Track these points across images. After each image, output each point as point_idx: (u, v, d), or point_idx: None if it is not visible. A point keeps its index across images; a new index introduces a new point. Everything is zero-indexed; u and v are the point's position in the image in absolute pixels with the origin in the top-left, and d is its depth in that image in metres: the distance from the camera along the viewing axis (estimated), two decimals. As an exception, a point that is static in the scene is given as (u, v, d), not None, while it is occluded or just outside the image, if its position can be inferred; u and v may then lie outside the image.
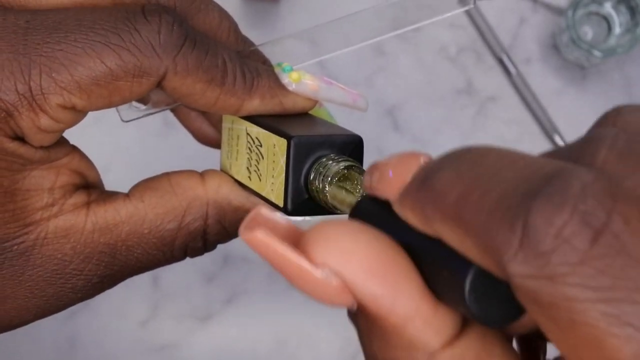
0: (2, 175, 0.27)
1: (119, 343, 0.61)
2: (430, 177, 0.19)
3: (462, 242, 0.18)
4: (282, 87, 0.30)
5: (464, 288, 0.18)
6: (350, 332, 0.66)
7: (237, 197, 0.30)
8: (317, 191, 0.28)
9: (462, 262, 0.18)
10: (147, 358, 0.61)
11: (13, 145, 0.27)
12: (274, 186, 0.29)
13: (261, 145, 0.30)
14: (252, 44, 0.33)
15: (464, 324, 0.19)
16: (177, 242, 0.30)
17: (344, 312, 0.67)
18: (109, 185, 0.64)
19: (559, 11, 0.62)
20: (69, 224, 0.29)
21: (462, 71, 0.62)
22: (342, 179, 0.28)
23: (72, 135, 0.65)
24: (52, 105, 0.27)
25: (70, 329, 0.60)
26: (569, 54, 0.60)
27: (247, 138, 0.30)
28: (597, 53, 0.56)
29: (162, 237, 0.30)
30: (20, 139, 0.27)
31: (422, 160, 0.20)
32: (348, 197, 0.27)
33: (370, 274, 0.19)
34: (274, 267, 0.19)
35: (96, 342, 0.61)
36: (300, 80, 0.30)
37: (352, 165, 0.28)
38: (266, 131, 0.29)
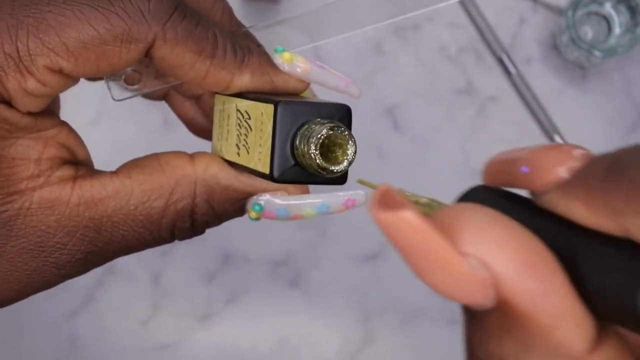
0: None
1: (119, 342, 0.61)
2: (625, 167, 0.17)
3: None
4: (273, 65, 0.30)
5: None
6: (350, 332, 0.66)
7: (226, 176, 0.30)
8: (302, 155, 0.27)
9: None
10: (148, 357, 0.61)
11: (4, 110, 0.27)
12: (261, 155, 0.28)
13: (250, 118, 0.29)
14: (245, 27, 0.33)
15: (602, 329, 0.18)
16: (164, 221, 0.29)
17: (344, 312, 0.66)
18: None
19: (559, 11, 0.62)
20: (54, 195, 0.28)
21: (462, 71, 0.62)
22: (328, 142, 0.27)
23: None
24: (39, 67, 0.26)
25: (71, 328, 0.60)
26: (569, 54, 0.60)
27: (236, 115, 0.30)
28: (597, 53, 0.56)
29: (148, 215, 0.29)
30: (7, 102, 0.27)
31: (577, 153, 0.19)
32: (334, 158, 0.27)
33: (525, 267, 0.17)
34: (406, 253, 0.17)
35: (96, 341, 0.61)
36: (292, 61, 0.30)
37: (337, 126, 0.27)
38: (254, 102, 0.29)
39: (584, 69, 0.62)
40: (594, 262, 0.17)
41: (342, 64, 0.62)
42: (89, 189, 0.28)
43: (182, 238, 0.31)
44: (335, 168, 0.27)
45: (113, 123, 0.62)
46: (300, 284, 0.60)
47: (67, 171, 0.29)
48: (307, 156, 0.27)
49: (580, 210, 0.18)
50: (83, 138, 0.60)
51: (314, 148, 0.27)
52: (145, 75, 0.32)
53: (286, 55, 0.30)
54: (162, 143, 0.62)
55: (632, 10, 0.58)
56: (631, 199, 0.16)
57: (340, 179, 0.29)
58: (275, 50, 0.31)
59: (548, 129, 0.61)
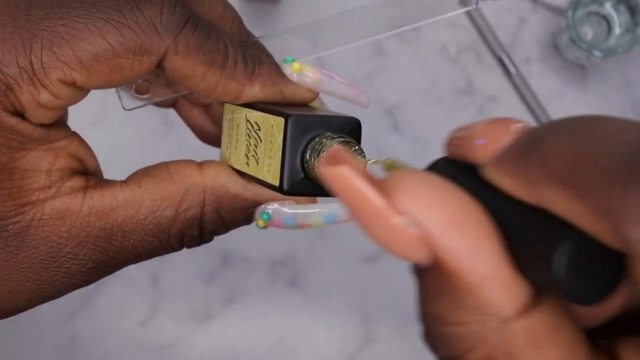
0: (0, 152, 0.27)
1: (118, 343, 0.61)
2: (539, 141, 0.18)
3: (572, 206, 0.17)
4: (283, 75, 0.30)
5: (558, 259, 0.17)
6: (349, 333, 0.66)
7: (235, 185, 0.30)
8: (312, 169, 0.27)
9: (559, 231, 0.17)
10: (147, 358, 0.61)
11: (12, 121, 0.27)
12: (270, 167, 0.28)
13: (260, 129, 0.29)
14: (255, 37, 0.32)
15: (537, 296, 0.19)
16: (174, 230, 0.30)
17: (344, 313, 0.66)
18: (108, 185, 0.63)
19: (559, 11, 0.62)
20: (65, 206, 0.28)
21: (462, 71, 0.62)
22: None
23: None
24: (53, 80, 0.27)
25: (70, 328, 0.60)
26: (569, 54, 0.60)
27: (246, 125, 0.30)
28: (597, 53, 0.56)
29: (158, 224, 0.29)
30: (20, 114, 0.27)
31: (513, 127, 0.19)
32: None
33: (453, 226, 0.18)
34: (349, 207, 0.18)
35: (96, 342, 0.61)
36: (302, 71, 0.30)
37: (347, 141, 0.27)
38: (265, 114, 0.29)
39: (584, 69, 0.62)
40: (518, 231, 0.18)
41: (343, 65, 0.62)
42: (100, 199, 0.29)
43: (190, 246, 0.31)
44: None
45: (112, 125, 0.62)
46: (300, 285, 0.60)
47: (77, 181, 0.29)
48: (318, 170, 0.27)
49: (507, 182, 0.19)
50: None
51: (313, 158, 0.27)
52: (156, 84, 0.32)
53: (295, 65, 0.30)
54: (162, 145, 0.62)
55: (632, 11, 0.58)
56: (541, 172, 0.17)
57: None
58: (285, 61, 0.31)
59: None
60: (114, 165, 0.61)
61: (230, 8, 0.31)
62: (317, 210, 0.30)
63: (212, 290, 0.61)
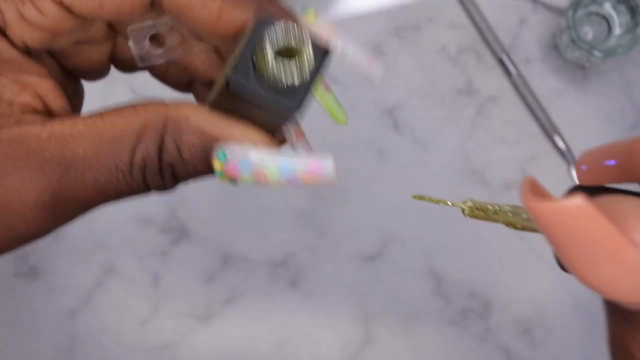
0: None
1: (119, 343, 0.61)
2: None
3: None
4: (291, 12, 0.27)
5: None
6: (349, 333, 0.66)
7: (196, 117, 0.27)
8: (259, 60, 0.25)
9: None
10: (147, 358, 0.61)
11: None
12: (227, 67, 0.26)
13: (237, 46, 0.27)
14: None
15: None
16: (135, 161, 0.27)
17: (344, 313, 0.66)
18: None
19: (559, 11, 0.62)
20: (23, 130, 0.26)
21: (462, 71, 0.62)
22: (286, 53, 0.26)
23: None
24: None
25: (70, 328, 0.60)
26: (569, 54, 0.60)
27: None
28: (597, 53, 0.56)
29: (119, 153, 0.27)
30: (1, 32, 0.26)
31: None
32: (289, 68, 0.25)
33: None
34: (567, 243, 0.16)
35: (96, 342, 0.61)
36: (316, 20, 0.28)
37: (297, 39, 0.26)
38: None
39: (584, 69, 0.62)
40: None
41: (343, 65, 0.62)
42: (59, 126, 0.26)
43: (154, 187, 0.28)
44: (285, 79, 0.25)
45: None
46: (300, 285, 0.60)
47: (37, 117, 0.27)
48: (265, 63, 0.25)
49: None
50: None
51: (270, 54, 0.25)
52: (168, 39, 0.30)
53: (311, 14, 0.28)
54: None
55: (632, 11, 0.58)
56: None
57: (296, 102, 0.26)
58: (303, 9, 0.28)
59: (548, 129, 0.61)
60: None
61: None
62: (274, 156, 0.27)
63: (213, 290, 0.61)
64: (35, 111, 0.27)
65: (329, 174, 0.26)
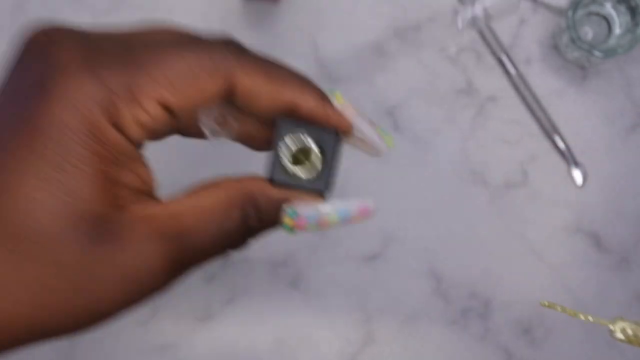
0: (104, 161, 0.31)
1: (119, 343, 0.61)
2: None
3: None
4: (328, 98, 0.35)
5: None
6: (350, 333, 0.66)
7: (264, 187, 0.35)
8: (282, 162, 0.34)
9: None
10: (147, 358, 0.61)
11: (114, 134, 0.31)
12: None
13: None
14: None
15: None
16: (228, 227, 0.34)
17: (344, 313, 0.66)
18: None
19: (559, 11, 0.62)
20: (148, 211, 0.33)
21: (462, 71, 0.62)
22: (301, 153, 0.34)
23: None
24: (150, 99, 0.31)
25: (70, 329, 0.60)
26: (569, 54, 0.60)
27: None
28: (597, 53, 0.56)
29: (216, 223, 0.34)
30: (120, 130, 0.31)
31: None
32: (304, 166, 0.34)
33: None
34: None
35: (96, 342, 0.61)
36: (344, 103, 0.36)
37: (300, 135, 0.34)
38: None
39: (584, 69, 0.62)
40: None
41: (343, 65, 0.62)
42: (173, 206, 0.33)
43: (237, 246, 0.36)
44: (301, 174, 0.34)
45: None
46: (300, 285, 0.60)
47: (149, 198, 0.34)
48: (283, 162, 0.34)
49: None
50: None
51: (287, 155, 0.34)
52: (229, 119, 0.36)
53: (339, 97, 0.35)
54: (162, 144, 0.62)
55: (632, 11, 0.58)
56: None
57: (320, 187, 0.35)
58: (330, 90, 0.35)
59: (548, 129, 0.61)
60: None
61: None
62: (334, 206, 0.35)
63: (213, 290, 0.61)
64: (144, 192, 0.34)
65: (372, 212, 0.36)
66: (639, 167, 0.61)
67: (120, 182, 0.32)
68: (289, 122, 0.34)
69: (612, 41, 0.60)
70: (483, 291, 0.61)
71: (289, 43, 0.62)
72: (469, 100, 0.62)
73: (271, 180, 0.34)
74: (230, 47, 0.33)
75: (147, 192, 0.34)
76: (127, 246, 0.32)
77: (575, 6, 0.57)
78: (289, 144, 0.34)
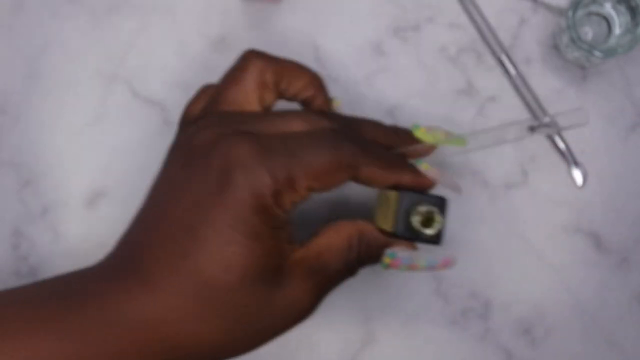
0: (272, 228, 0.42)
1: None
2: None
3: None
4: (419, 172, 0.46)
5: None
6: (349, 333, 0.66)
7: (373, 230, 0.47)
8: (411, 222, 0.46)
9: None
10: (147, 358, 0.61)
11: (280, 213, 0.42)
12: (390, 220, 0.46)
13: (388, 199, 0.47)
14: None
15: None
16: (352, 258, 0.46)
17: (344, 313, 0.66)
18: (110, 184, 0.64)
19: (559, 11, 0.62)
20: (300, 255, 0.44)
21: (462, 71, 0.62)
22: (426, 217, 0.46)
23: (73, 134, 0.65)
24: (302, 188, 0.42)
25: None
26: (569, 54, 0.60)
27: (383, 197, 0.48)
28: (597, 53, 0.56)
29: (343, 256, 0.46)
30: (280, 207, 0.42)
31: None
32: (429, 226, 0.46)
33: None
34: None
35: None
36: (428, 169, 0.47)
37: (432, 210, 0.46)
38: (391, 190, 0.47)
39: (584, 69, 0.62)
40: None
41: (343, 66, 0.62)
42: (313, 248, 0.45)
43: (355, 273, 0.48)
44: (428, 232, 0.46)
45: (112, 125, 0.62)
46: (300, 285, 0.60)
47: (295, 244, 0.45)
48: (413, 223, 0.45)
49: None
50: (82, 139, 0.60)
51: (417, 219, 0.45)
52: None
53: (424, 165, 0.47)
54: (162, 145, 0.62)
55: (632, 11, 0.58)
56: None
57: (437, 240, 0.46)
58: (417, 162, 0.48)
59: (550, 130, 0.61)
60: (114, 165, 0.61)
61: (385, 130, 0.49)
62: (425, 255, 0.47)
63: (213, 291, 0.61)
64: (292, 242, 0.45)
65: (453, 264, 0.48)
66: (639, 167, 0.61)
67: (281, 240, 0.43)
68: (408, 193, 0.46)
69: (612, 41, 0.60)
70: (483, 291, 0.61)
71: (289, 43, 0.62)
72: (468, 100, 0.62)
73: (395, 234, 0.46)
74: (357, 148, 0.43)
75: (293, 242, 0.45)
76: (293, 285, 0.43)
77: (575, 6, 0.57)
78: (420, 211, 0.46)
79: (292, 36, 0.62)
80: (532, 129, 0.49)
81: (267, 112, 0.46)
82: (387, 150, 0.47)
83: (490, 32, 0.62)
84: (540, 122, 0.53)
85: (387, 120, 0.61)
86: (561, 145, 0.61)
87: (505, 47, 0.62)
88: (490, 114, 0.62)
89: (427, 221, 0.46)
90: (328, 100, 0.50)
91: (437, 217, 0.45)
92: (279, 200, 0.41)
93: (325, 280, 0.45)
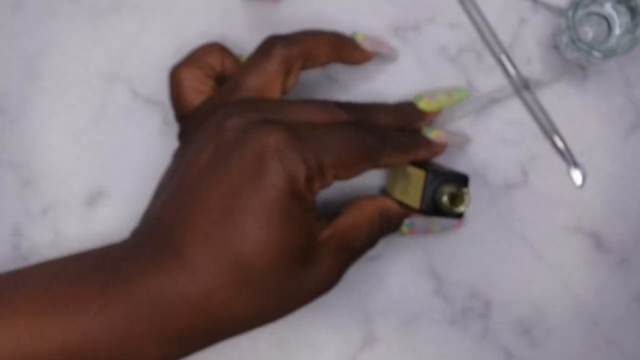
0: (305, 210, 0.44)
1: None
2: None
3: None
4: (432, 142, 0.53)
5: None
6: (349, 333, 0.66)
7: (393, 205, 0.53)
8: (439, 200, 0.50)
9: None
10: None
11: (309, 194, 0.44)
12: (415, 197, 0.52)
13: (411, 175, 0.52)
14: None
15: None
16: (374, 229, 0.51)
17: (344, 313, 0.66)
18: (110, 184, 0.64)
19: (559, 11, 0.62)
20: (326, 235, 0.48)
21: (462, 71, 0.62)
22: (453, 195, 0.50)
23: (73, 134, 0.65)
24: (330, 175, 0.45)
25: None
26: (569, 54, 0.60)
27: (404, 172, 0.54)
28: (596, 54, 0.56)
29: (367, 229, 0.50)
30: (311, 191, 0.44)
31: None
32: (457, 204, 0.50)
33: None
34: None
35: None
36: (438, 135, 0.53)
37: (460, 188, 0.50)
38: (416, 168, 0.52)
39: (584, 69, 0.62)
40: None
41: (343, 65, 0.62)
42: (341, 224, 0.49)
43: (376, 244, 0.52)
44: (458, 210, 0.50)
45: (112, 125, 0.62)
46: (300, 285, 0.60)
47: (321, 222, 0.49)
48: (442, 202, 0.50)
49: None
50: (82, 139, 0.60)
51: (446, 198, 0.50)
52: None
53: (434, 133, 0.54)
54: (162, 145, 0.62)
55: (632, 11, 0.58)
56: None
57: (461, 215, 0.51)
58: (427, 131, 0.54)
59: (547, 129, 0.61)
60: (114, 165, 0.61)
61: (394, 113, 0.53)
62: (438, 221, 0.56)
63: (213, 290, 0.61)
64: (319, 220, 0.49)
65: (463, 224, 0.60)
66: (639, 167, 0.61)
67: (311, 221, 0.45)
68: (434, 173, 0.51)
69: (612, 41, 0.60)
70: (483, 291, 0.61)
71: (289, 43, 0.62)
72: (468, 100, 0.62)
73: (420, 211, 0.51)
74: (376, 135, 0.47)
75: (320, 219, 0.48)
76: (321, 262, 0.46)
77: (575, 6, 0.57)
78: (448, 191, 0.50)
79: (292, 36, 0.62)
80: (525, 86, 0.51)
81: (288, 100, 0.48)
82: (401, 133, 0.50)
83: (490, 32, 0.62)
84: (531, 80, 0.55)
85: (387, 120, 0.61)
86: (560, 145, 0.61)
87: (504, 47, 0.62)
88: (490, 114, 0.62)
89: (454, 199, 0.50)
90: (351, 51, 0.54)
91: (466, 196, 0.50)
92: (311, 186, 0.44)
93: (350, 255, 0.49)
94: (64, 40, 0.62)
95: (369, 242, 0.50)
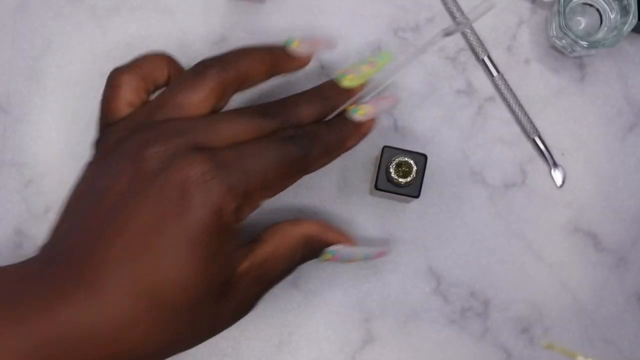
0: (229, 243, 0.44)
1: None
2: None
3: None
4: (359, 125, 0.51)
5: None
6: (349, 332, 0.66)
7: (317, 229, 0.51)
8: (389, 173, 0.53)
9: None
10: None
11: (237, 226, 0.44)
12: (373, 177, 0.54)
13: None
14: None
15: None
16: (297, 256, 0.49)
17: (344, 312, 0.66)
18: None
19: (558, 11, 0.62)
20: (248, 264, 0.46)
21: (461, 71, 0.62)
22: (399, 165, 0.53)
23: (75, 134, 0.65)
24: (258, 199, 0.44)
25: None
26: (557, 42, 0.60)
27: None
28: (581, 43, 0.56)
29: (289, 255, 0.49)
30: (239, 220, 0.44)
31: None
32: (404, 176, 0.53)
33: None
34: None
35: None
36: (366, 112, 0.51)
37: (405, 159, 0.53)
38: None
39: (583, 69, 0.62)
40: None
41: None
42: (259, 253, 0.47)
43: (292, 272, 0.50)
44: (403, 180, 0.52)
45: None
46: (300, 284, 0.61)
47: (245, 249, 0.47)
48: (390, 173, 0.52)
49: None
50: (84, 139, 0.61)
51: (393, 168, 0.52)
52: None
53: (361, 111, 0.51)
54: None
55: (623, 9, 0.58)
56: None
57: (416, 194, 0.53)
58: (353, 112, 0.51)
59: (529, 130, 0.61)
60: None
61: (320, 104, 0.51)
62: (361, 250, 0.53)
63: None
64: (241, 247, 0.47)
65: (386, 254, 0.58)
66: (636, 166, 0.61)
67: (234, 252, 0.44)
68: (389, 149, 0.53)
69: (599, 34, 0.60)
70: (482, 291, 0.61)
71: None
72: (468, 100, 0.62)
73: (376, 187, 0.53)
74: (301, 144, 0.46)
75: (243, 244, 0.46)
76: (238, 294, 0.45)
77: (570, -5, 0.57)
78: (396, 163, 0.52)
79: (286, 36, 0.62)
80: (447, 34, 0.46)
81: (213, 117, 0.45)
82: (327, 128, 0.49)
83: (473, 33, 0.62)
84: (454, 25, 0.55)
85: (387, 120, 0.61)
86: (542, 147, 0.61)
87: (487, 49, 0.62)
88: (489, 114, 0.62)
89: (405, 174, 0.52)
90: (287, 62, 0.51)
91: (413, 170, 0.52)
92: (239, 214, 0.43)
93: (268, 284, 0.48)
94: (65, 41, 0.63)
95: (288, 271, 0.49)
